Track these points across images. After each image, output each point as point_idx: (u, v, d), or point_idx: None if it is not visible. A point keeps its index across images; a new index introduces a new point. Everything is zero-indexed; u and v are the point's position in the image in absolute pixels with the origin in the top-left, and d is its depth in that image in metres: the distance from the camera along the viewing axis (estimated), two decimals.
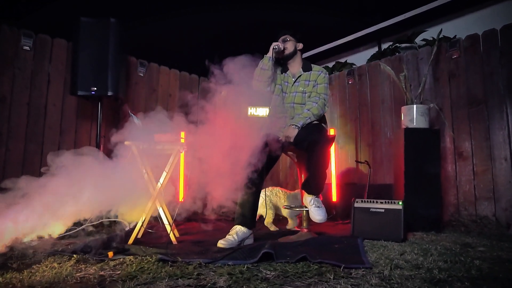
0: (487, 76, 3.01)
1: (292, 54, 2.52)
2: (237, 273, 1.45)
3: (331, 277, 1.39)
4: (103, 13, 3.12)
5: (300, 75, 2.52)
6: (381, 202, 2.36)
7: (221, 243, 2.10)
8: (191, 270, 1.51)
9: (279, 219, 3.22)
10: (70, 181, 2.21)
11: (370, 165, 3.49)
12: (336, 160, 3.78)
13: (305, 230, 2.46)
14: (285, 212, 2.96)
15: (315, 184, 2.28)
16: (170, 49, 4.24)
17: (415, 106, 2.87)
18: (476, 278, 1.38)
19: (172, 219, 2.38)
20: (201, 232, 2.79)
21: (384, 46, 4.19)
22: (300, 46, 2.55)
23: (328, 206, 2.80)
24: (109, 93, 3.03)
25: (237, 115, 2.48)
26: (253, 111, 3.25)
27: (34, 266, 1.59)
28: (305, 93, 2.49)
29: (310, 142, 2.22)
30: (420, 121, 2.84)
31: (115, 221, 2.70)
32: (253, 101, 3.02)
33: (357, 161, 3.84)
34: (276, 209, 2.98)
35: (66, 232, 2.37)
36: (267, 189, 2.97)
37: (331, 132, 2.70)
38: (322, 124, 2.49)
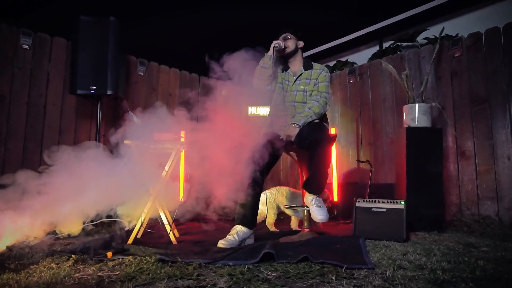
0: (489, 74, 2.98)
1: (293, 52, 2.49)
2: (237, 273, 1.43)
3: (333, 278, 1.37)
4: (103, 12, 3.10)
5: (301, 74, 2.49)
6: (383, 202, 2.34)
7: (221, 243, 2.08)
8: (191, 270, 1.49)
9: (280, 218, 3.19)
10: (69, 180, 2.19)
11: (372, 164, 3.47)
12: (337, 160, 3.76)
13: (306, 230, 2.44)
14: (289, 211, 2.93)
15: (316, 183, 2.26)
16: (170, 48, 4.22)
17: (417, 105, 2.85)
18: (481, 279, 1.35)
19: (172, 219, 2.36)
20: (201, 232, 2.76)
21: (386, 45, 4.16)
22: (301, 44, 2.53)
23: (329, 205, 2.78)
24: (109, 92, 3.02)
25: (238, 114, 2.47)
26: (253, 110, 3.24)
27: (31, 267, 1.57)
28: (306, 91, 2.46)
29: (311, 141, 2.20)
30: (422, 120, 2.82)
31: (115, 220, 2.68)
32: (253, 100, 3.01)
33: (358, 161, 3.82)
34: (279, 208, 2.94)
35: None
36: (274, 188, 2.94)
37: (332, 131, 2.68)
38: (324, 123, 2.47)
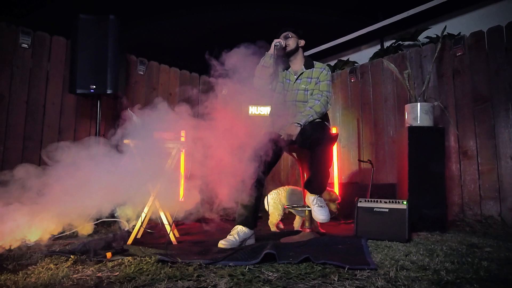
0: (492, 73, 2.96)
1: (294, 51, 2.47)
2: (238, 274, 1.41)
3: (336, 279, 1.35)
4: (103, 10, 3.09)
5: (302, 73, 2.47)
6: (385, 202, 2.32)
7: (222, 244, 2.05)
8: (191, 271, 1.47)
9: (287, 218, 3.15)
10: (67, 179, 2.17)
11: (373, 164, 3.45)
12: (338, 159, 3.74)
13: (308, 230, 2.42)
14: (294, 210, 2.89)
15: (317, 183, 2.24)
16: (170, 47, 4.21)
17: (419, 104, 2.82)
18: (485, 280, 1.33)
19: (172, 220, 2.34)
20: (201, 232, 2.75)
21: (387, 44, 4.14)
22: (302, 42, 2.50)
23: (337, 208, 2.76)
24: (108, 91, 3.00)
25: (239, 114, 2.44)
26: (254, 110, 3.22)
27: (30, 267, 1.55)
28: (307, 90, 2.44)
29: (312, 140, 2.18)
30: (424, 119, 2.80)
31: (114, 220, 2.66)
32: (254, 100, 2.98)
33: (359, 160, 3.80)
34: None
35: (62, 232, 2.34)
36: (281, 188, 2.91)
37: (334, 130, 2.66)
38: (325, 122, 2.45)
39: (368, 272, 1.44)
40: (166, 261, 1.61)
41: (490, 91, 2.96)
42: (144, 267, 1.54)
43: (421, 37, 3.69)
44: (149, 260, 1.64)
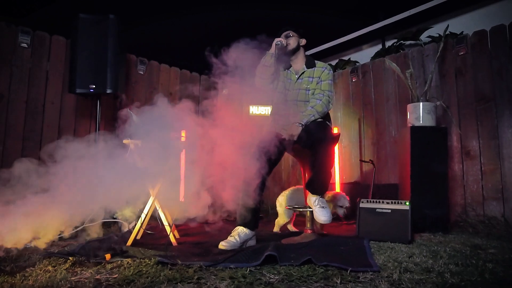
0: (495, 72, 2.93)
1: (295, 50, 2.44)
2: (239, 276, 1.39)
3: (338, 281, 1.32)
4: (103, 10, 3.07)
5: (303, 72, 2.45)
6: (388, 203, 2.29)
7: (222, 245, 2.03)
8: (191, 273, 1.44)
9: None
10: (67, 179, 2.15)
11: (375, 164, 3.42)
12: (340, 159, 3.72)
13: (309, 231, 2.39)
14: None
15: (319, 183, 2.21)
16: (171, 47, 4.18)
17: (421, 103, 2.80)
18: (491, 283, 1.31)
19: (173, 221, 2.32)
20: (201, 233, 2.72)
21: (389, 43, 4.11)
22: (303, 42, 2.48)
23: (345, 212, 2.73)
24: (108, 91, 2.98)
25: (239, 114, 2.42)
26: (254, 110, 3.19)
27: (27, 269, 1.53)
28: (309, 90, 2.42)
29: (314, 140, 2.16)
30: (426, 119, 2.77)
31: (114, 221, 2.63)
32: (255, 99, 2.96)
33: (361, 160, 3.77)
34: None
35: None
36: (293, 188, 2.87)
37: (335, 130, 2.63)
38: (327, 122, 2.42)
39: (371, 275, 1.41)
40: (166, 263, 1.59)
41: (493, 91, 2.93)
42: (144, 269, 1.52)
43: (423, 37, 3.66)
44: (149, 262, 1.62)
